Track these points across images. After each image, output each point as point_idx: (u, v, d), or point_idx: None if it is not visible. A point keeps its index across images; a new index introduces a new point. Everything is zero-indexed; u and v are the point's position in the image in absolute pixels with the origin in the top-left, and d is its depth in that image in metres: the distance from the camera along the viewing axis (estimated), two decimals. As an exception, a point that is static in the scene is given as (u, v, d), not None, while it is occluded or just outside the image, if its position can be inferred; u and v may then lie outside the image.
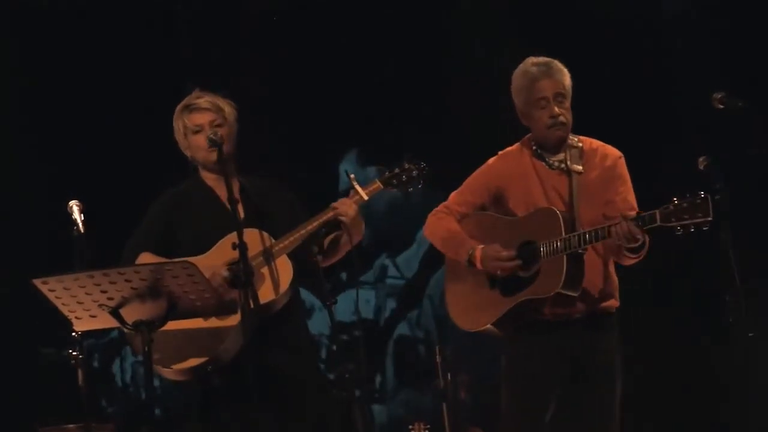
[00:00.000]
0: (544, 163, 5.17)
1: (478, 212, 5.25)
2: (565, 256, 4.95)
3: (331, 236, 5.16)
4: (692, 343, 7.99)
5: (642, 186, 5.29)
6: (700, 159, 5.01)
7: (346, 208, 5.04)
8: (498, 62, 6.46)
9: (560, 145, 5.17)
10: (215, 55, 8.08)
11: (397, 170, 5.14)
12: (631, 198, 5.13)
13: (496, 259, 5.03)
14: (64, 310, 4.46)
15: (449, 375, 6.81)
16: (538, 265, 5.01)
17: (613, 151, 5.25)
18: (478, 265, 5.08)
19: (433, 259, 8.10)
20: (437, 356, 6.89)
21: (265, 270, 4.98)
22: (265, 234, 5.02)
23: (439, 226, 5.25)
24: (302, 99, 8.43)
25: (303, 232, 5.03)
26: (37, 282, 4.34)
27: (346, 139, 8.85)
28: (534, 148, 5.19)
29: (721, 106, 5.24)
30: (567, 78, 5.15)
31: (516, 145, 5.29)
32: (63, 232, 4.99)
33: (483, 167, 5.30)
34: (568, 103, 5.14)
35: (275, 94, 8.26)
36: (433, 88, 8.45)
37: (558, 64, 5.15)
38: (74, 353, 5.04)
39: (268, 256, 4.98)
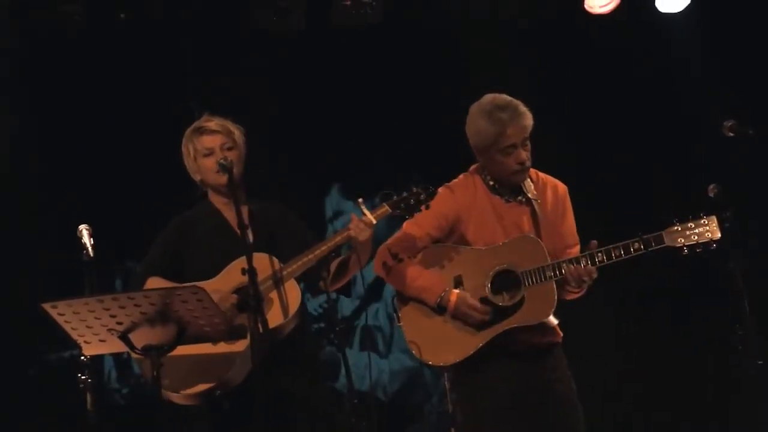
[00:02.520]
0: (499, 198, 5.15)
1: (436, 245, 5.18)
2: (554, 282, 4.94)
3: (339, 259, 5.15)
4: (701, 370, 7.98)
5: (651, 214, 5.30)
6: (710, 187, 5.01)
7: (359, 231, 5.00)
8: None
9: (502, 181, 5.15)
10: (220, 84, 8.08)
11: (405, 194, 5.10)
12: (574, 230, 5.20)
13: (472, 308, 4.99)
14: (73, 335, 4.46)
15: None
16: (521, 294, 4.98)
17: (561, 184, 5.26)
18: (450, 310, 5.03)
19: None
20: (445, 380, 6.86)
21: (273, 294, 4.97)
22: (274, 258, 5.01)
23: (398, 264, 5.14)
24: (292, 131, 8.47)
25: (311, 256, 5.01)
26: (47, 306, 4.34)
27: (332, 174, 8.88)
28: (490, 183, 5.16)
29: (732, 134, 5.24)
30: (530, 119, 5.08)
31: (463, 177, 5.25)
32: (73, 257, 4.99)
33: (436, 198, 5.09)
34: (529, 144, 5.08)
35: (264, 127, 8.23)
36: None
37: (522, 107, 5.08)
38: (83, 377, 5.02)
39: (277, 280, 4.98)
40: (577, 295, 5.11)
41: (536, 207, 5.10)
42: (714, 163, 7.06)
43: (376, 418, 5.10)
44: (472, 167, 5.26)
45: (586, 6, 7.92)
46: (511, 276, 5.00)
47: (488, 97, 5.14)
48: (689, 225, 4.76)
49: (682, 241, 4.77)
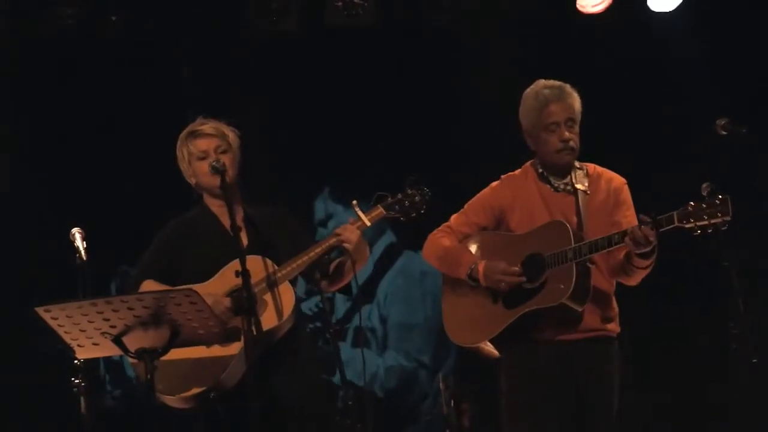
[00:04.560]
0: (549, 186, 5.15)
1: (479, 232, 5.21)
2: (574, 265, 4.89)
3: (336, 262, 5.15)
4: (695, 370, 7.99)
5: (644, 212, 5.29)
6: (704, 186, 5.00)
7: (348, 234, 5.01)
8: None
9: (567, 169, 5.15)
10: (214, 91, 8.08)
11: (399, 196, 5.11)
12: (635, 220, 5.02)
13: (501, 272, 4.99)
14: (67, 338, 4.44)
15: (452, 402, 6.79)
16: (544, 276, 4.96)
17: (618, 177, 5.23)
18: (481, 280, 5.04)
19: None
20: (440, 383, 6.87)
21: (267, 297, 4.96)
22: (268, 261, 5.01)
23: (439, 244, 5.21)
24: (283, 133, 8.47)
25: (306, 258, 5.01)
26: (40, 310, 4.32)
27: (322, 176, 8.88)
28: (540, 171, 5.18)
29: (724, 133, 5.24)
30: (577, 102, 5.15)
31: (520, 170, 5.27)
32: (65, 260, 4.98)
33: (486, 189, 5.27)
34: (577, 128, 5.13)
35: (256, 129, 8.22)
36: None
37: (569, 88, 5.15)
38: (77, 381, 5.02)
39: (271, 283, 4.97)
40: (644, 271, 4.97)
41: (580, 197, 5.08)
42: (707, 161, 7.07)
43: (372, 419, 5.08)
44: (529, 162, 5.27)
45: (578, 5, 7.94)
46: (538, 259, 4.98)
47: (540, 81, 5.20)
48: (702, 205, 4.67)
49: (693, 221, 4.70)
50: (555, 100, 5.08)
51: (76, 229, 4.98)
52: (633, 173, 5.17)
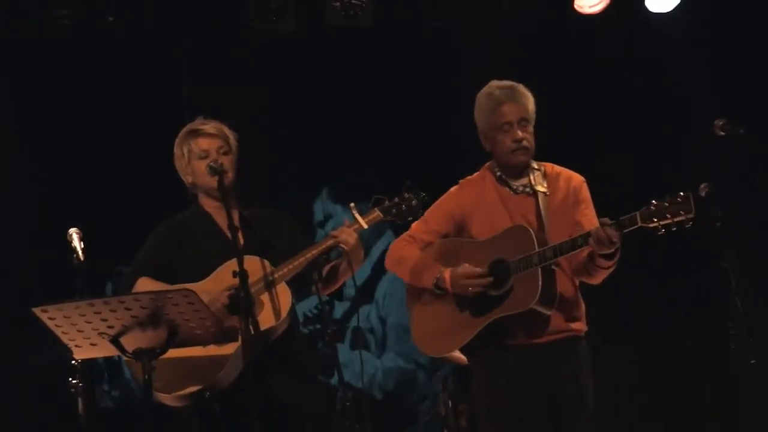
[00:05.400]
0: (508, 189, 5.13)
1: (441, 239, 5.18)
2: (539, 270, 4.86)
3: (331, 264, 5.14)
4: (694, 370, 7.98)
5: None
6: (701, 186, 5.00)
7: (346, 236, 5.00)
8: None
9: (523, 169, 5.12)
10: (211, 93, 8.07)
11: (396, 200, 5.09)
12: (596, 222, 4.99)
13: (466, 277, 4.96)
14: (64, 339, 4.43)
15: (450, 403, 6.78)
16: (510, 282, 4.93)
17: (577, 175, 5.19)
18: (448, 287, 5.01)
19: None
20: (439, 384, 6.87)
21: (264, 297, 4.96)
22: (265, 261, 5.00)
23: (401, 254, 5.19)
24: (281, 136, 8.47)
25: (302, 259, 5.00)
26: (37, 310, 4.32)
27: (322, 177, 8.88)
28: (498, 173, 5.15)
29: (722, 133, 5.24)
30: (531, 102, 5.11)
31: (477, 173, 5.24)
32: (63, 260, 4.97)
33: (445, 196, 5.23)
34: (531, 128, 5.09)
35: (255, 130, 8.22)
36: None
37: (522, 88, 5.11)
38: (74, 381, 5.01)
39: (268, 283, 4.96)
40: (606, 270, 4.94)
41: (540, 198, 5.05)
42: (705, 161, 7.07)
43: (370, 419, 5.08)
44: (487, 163, 5.25)
45: (575, 6, 7.93)
46: (503, 266, 4.96)
47: (493, 82, 5.18)
48: (665, 204, 4.60)
49: (656, 220, 4.65)
50: (507, 101, 5.06)
51: (73, 229, 4.96)
52: (633, 173, 5.18)
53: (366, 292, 8.57)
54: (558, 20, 8.17)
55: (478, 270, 4.96)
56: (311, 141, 8.55)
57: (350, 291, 8.28)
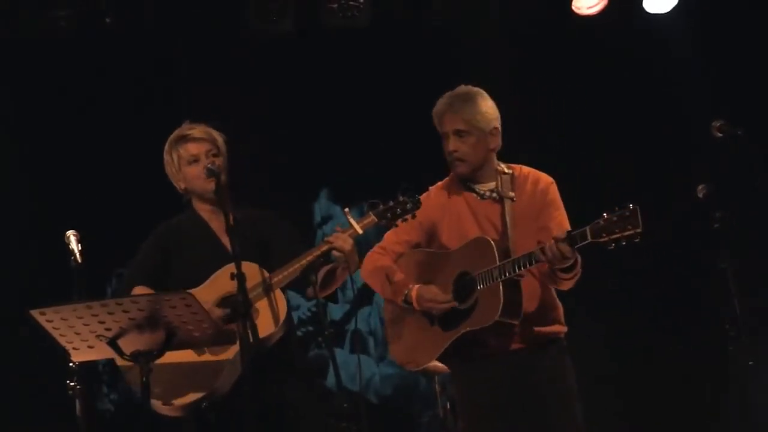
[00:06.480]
0: (474, 194, 5.11)
1: (412, 250, 5.17)
2: (501, 284, 4.83)
3: (326, 268, 5.10)
4: (693, 370, 7.98)
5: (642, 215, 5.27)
6: (699, 187, 5.00)
7: (341, 242, 4.95)
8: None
9: (484, 174, 5.09)
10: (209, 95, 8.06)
11: (391, 203, 5.04)
12: (566, 223, 4.98)
13: (431, 300, 4.97)
14: (62, 341, 4.43)
15: (448, 405, 6.77)
16: (475, 296, 4.91)
17: (545, 177, 5.14)
18: (415, 305, 5.03)
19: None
20: (436, 385, 6.86)
21: (262, 303, 4.93)
22: (262, 269, 4.98)
23: (374, 266, 5.18)
24: (280, 136, 8.46)
25: (297, 266, 4.95)
26: (35, 313, 4.31)
27: (321, 177, 8.88)
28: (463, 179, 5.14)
29: (720, 134, 5.24)
30: (476, 110, 5.04)
31: (445, 180, 5.23)
32: (61, 263, 4.97)
33: None
34: (472, 138, 5.05)
35: (253, 131, 8.21)
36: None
37: (468, 96, 5.07)
38: (72, 384, 5.01)
39: (265, 289, 4.94)
40: (570, 281, 4.90)
41: (506, 205, 5.02)
42: (703, 163, 7.06)
43: (367, 423, 5.07)
44: None
45: (573, 7, 7.93)
46: (468, 279, 4.95)
47: (448, 91, 5.15)
48: (613, 218, 4.53)
49: (605, 235, 4.56)
50: (445, 111, 5.07)
51: (71, 231, 4.97)
52: (627, 173, 5.17)
53: (365, 294, 8.57)
54: (557, 20, 8.17)
55: (441, 296, 4.96)
56: (310, 141, 8.54)
57: (349, 293, 8.30)
